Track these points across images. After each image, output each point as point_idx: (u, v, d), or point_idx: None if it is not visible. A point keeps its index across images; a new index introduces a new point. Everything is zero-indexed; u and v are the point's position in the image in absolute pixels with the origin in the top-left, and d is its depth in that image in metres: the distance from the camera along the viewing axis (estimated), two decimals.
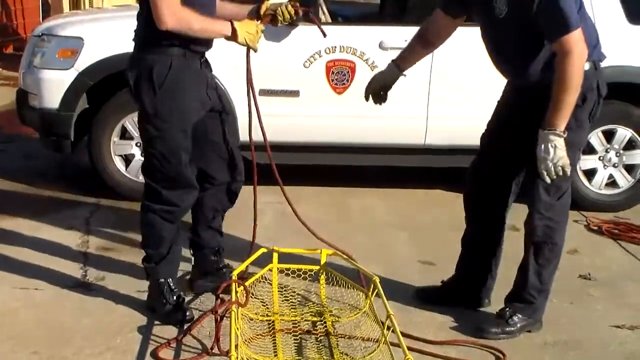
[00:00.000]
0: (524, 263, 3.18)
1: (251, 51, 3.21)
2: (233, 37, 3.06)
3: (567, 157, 2.91)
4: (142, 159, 4.58)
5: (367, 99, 3.41)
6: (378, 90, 3.38)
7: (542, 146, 2.92)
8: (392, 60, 3.38)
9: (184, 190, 3.16)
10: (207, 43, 3.14)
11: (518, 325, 3.18)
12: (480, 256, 3.35)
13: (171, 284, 3.19)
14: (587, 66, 2.98)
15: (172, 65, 3.00)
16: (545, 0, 2.82)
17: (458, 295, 3.38)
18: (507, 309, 3.20)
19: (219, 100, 3.27)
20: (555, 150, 2.88)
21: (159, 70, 2.99)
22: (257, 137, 3.37)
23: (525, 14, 2.88)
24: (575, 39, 2.84)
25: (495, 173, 3.23)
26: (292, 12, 3.14)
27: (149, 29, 2.96)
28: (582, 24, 2.91)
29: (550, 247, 3.14)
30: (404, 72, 3.37)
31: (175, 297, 3.18)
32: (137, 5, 3.06)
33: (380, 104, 3.41)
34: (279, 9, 3.14)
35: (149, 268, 3.21)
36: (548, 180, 2.95)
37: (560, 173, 2.92)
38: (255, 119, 3.36)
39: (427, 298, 3.44)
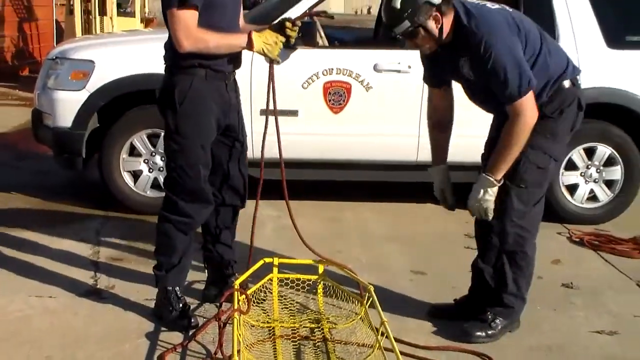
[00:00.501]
0: (500, 269, 3.26)
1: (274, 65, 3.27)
2: (249, 46, 3.10)
3: (493, 203, 3.08)
4: (149, 175, 4.81)
5: (448, 207, 3.39)
6: (442, 194, 3.38)
7: (476, 186, 3.10)
8: (429, 168, 3.40)
9: (201, 204, 3.25)
10: (231, 61, 3.20)
11: (499, 328, 3.29)
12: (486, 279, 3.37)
13: (178, 292, 3.28)
14: (567, 84, 3.14)
15: (192, 85, 3.12)
16: (493, 71, 2.94)
17: (469, 313, 3.38)
18: (489, 313, 3.29)
19: (237, 125, 3.35)
20: (485, 194, 3.07)
21: (181, 89, 3.11)
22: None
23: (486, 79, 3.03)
24: (525, 104, 2.96)
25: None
26: (290, 25, 3.19)
27: (173, 52, 3.10)
28: (548, 53, 3.06)
29: (521, 256, 3.24)
30: (446, 163, 3.38)
31: (181, 305, 3.26)
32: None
33: (453, 205, 3.37)
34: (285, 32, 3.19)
35: (159, 276, 3.28)
36: (472, 215, 3.16)
37: (483, 214, 3.12)
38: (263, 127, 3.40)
39: (440, 315, 3.46)
